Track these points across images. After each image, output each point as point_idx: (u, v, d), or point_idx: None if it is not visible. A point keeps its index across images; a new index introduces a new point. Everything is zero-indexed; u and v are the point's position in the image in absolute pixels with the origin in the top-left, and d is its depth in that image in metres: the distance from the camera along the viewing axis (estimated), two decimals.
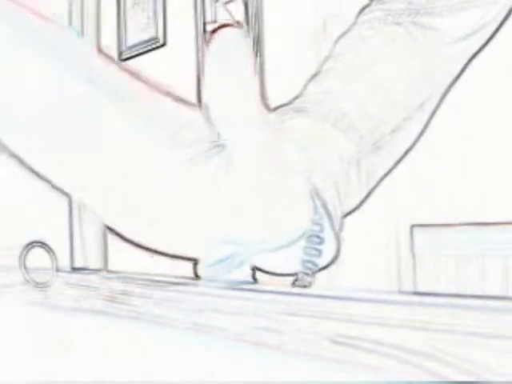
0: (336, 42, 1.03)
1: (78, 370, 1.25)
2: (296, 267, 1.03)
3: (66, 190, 1.08)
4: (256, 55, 1.15)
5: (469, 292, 0.90)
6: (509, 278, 0.89)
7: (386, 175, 1.00)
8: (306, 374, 0.98)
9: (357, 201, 1.02)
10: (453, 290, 0.92)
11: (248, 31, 1.17)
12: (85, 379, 1.23)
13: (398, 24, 0.97)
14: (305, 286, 1.04)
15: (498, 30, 0.91)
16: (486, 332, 0.81)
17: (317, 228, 1.02)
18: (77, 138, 1.01)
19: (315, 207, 1.01)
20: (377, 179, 1.01)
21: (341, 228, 1.02)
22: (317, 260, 1.02)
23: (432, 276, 0.94)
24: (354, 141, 1.00)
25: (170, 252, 1.07)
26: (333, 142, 1.00)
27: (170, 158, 1.01)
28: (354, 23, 1.01)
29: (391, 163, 0.99)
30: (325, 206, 1.01)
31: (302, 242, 1.02)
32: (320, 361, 0.96)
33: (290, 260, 1.03)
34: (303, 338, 0.98)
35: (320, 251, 1.02)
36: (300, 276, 1.04)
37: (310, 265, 1.03)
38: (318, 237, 1.02)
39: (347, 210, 1.02)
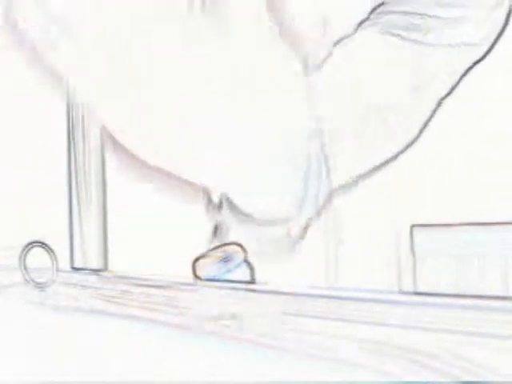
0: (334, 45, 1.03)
1: (78, 369, 1.25)
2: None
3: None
4: None
5: (469, 292, 0.90)
6: (509, 277, 0.89)
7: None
8: (306, 374, 0.98)
9: None
10: (453, 290, 0.92)
11: None
12: (85, 379, 1.23)
13: (395, 36, 0.97)
14: None
15: (494, 44, 0.91)
16: (486, 332, 0.81)
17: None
18: None
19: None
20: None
21: None
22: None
23: (432, 276, 0.94)
24: None
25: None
26: None
27: None
28: (352, 34, 1.01)
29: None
30: None
31: None
32: (320, 360, 0.96)
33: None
34: (303, 338, 0.98)
35: None
36: None
37: None
38: None
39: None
